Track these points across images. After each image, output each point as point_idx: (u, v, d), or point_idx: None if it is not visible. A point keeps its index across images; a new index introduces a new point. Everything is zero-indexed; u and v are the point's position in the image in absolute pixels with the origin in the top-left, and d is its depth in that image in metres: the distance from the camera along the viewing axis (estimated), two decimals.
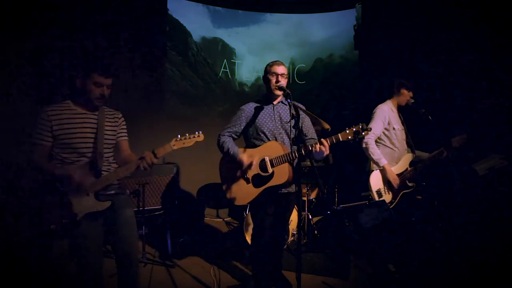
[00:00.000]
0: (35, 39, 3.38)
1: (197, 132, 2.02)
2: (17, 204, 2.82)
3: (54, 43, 3.52)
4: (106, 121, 2.00)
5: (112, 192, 1.99)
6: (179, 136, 1.98)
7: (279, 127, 2.37)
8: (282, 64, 2.36)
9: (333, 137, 2.11)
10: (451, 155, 2.93)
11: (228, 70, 5.24)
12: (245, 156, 2.27)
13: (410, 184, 2.97)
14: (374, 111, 3.02)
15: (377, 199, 2.93)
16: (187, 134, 1.99)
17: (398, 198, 2.94)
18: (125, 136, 2.14)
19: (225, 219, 4.57)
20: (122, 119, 2.14)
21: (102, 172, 1.91)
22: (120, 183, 2.07)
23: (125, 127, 2.15)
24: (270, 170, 2.26)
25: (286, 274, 2.70)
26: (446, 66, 4.01)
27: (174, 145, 1.96)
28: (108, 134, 2.00)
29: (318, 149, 2.10)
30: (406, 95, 2.98)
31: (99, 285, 1.95)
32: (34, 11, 3.36)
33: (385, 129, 2.98)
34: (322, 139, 2.12)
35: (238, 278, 2.85)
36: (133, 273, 2.07)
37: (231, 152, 2.31)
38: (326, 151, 2.11)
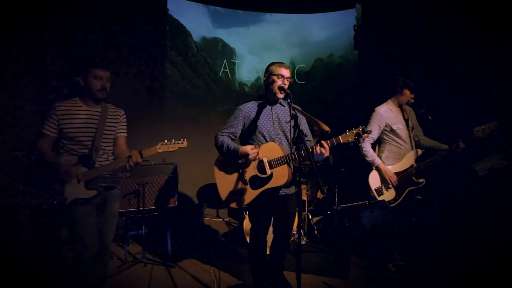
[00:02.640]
0: (35, 40, 3.38)
1: (182, 140, 2.23)
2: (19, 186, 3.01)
3: (53, 44, 3.52)
4: (108, 118, 2.22)
5: (104, 184, 2.19)
6: (165, 140, 2.20)
7: (277, 128, 2.33)
8: (288, 67, 2.32)
9: (333, 139, 2.12)
10: (470, 148, 2.70)
11: (228, 70, 5.23)
12: (248, 147, 2.18)
13: (419, 181, 2.89)
14: (371, 113, 3.02)
15: (377, 197, 2.93)
16: (173, 140, 2.21)
17: (403, 195, 2.90)
18: (124, 132, 2.35)
19: (225, 219, 4.57)
20: (124, 116, 2.36)
21: (97, 163, 2.14)
22: (113, 176, 2.27)
23: (125, 124, 2.37)
24: (268, 171, 2.22)
25: (286, 274, 2.69)
26: (447, 66, 4.01)
27: (159, 148, 2.18)
28: (108, 130, 2.22)
29: (318, 151, 2.11)
30: (407, 96, 2.96)
31: (96, 270, 2.15)
32: (34, 12, 3.36)
33: (385, 130, 2.98)
34: (322, 141, 2.11)
35: (238, 278, 2.85)
36: (104, 261, 2.24)
37: (232, 148, 2.23)
38: (326, 153, 2.12)
